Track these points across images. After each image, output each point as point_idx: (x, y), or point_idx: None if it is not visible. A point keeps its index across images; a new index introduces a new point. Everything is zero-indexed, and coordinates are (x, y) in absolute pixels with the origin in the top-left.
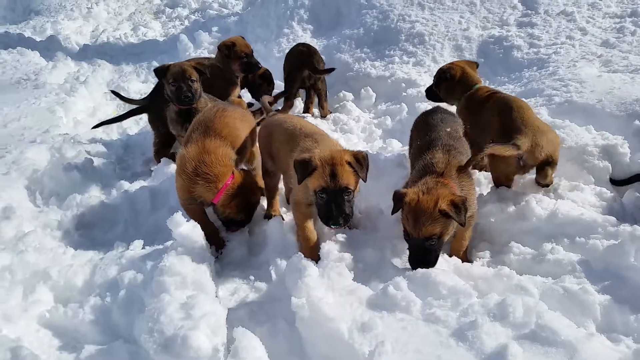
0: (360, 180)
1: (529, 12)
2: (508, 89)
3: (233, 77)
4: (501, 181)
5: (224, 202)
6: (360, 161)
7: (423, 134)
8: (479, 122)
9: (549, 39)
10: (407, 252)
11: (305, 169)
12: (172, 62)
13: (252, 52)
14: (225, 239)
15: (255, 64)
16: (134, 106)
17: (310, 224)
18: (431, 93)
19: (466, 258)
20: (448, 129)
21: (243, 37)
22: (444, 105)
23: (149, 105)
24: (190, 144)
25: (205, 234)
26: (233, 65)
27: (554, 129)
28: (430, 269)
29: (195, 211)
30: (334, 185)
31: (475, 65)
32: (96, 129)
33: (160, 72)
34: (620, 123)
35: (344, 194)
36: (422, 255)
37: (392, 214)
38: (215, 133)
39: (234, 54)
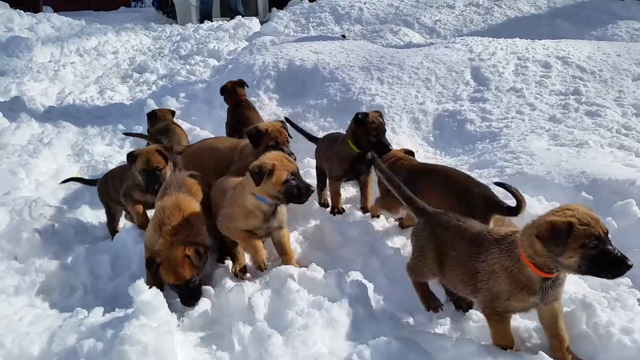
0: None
1: (481, 88)
2: (462, 159)
3: None
4: None
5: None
6: None
7: None
8: None
9: (500, 114)
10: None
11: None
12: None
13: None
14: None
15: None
16: None
17: (246, 234)
18: None
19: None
20: None
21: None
22: None
23: None
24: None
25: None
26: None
27: (505, 199)
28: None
29: None
30: None
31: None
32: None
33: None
34: (569, 194)
35: None
36: None
37: None
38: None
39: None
